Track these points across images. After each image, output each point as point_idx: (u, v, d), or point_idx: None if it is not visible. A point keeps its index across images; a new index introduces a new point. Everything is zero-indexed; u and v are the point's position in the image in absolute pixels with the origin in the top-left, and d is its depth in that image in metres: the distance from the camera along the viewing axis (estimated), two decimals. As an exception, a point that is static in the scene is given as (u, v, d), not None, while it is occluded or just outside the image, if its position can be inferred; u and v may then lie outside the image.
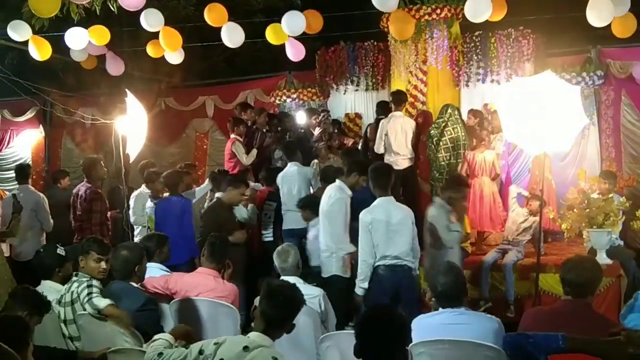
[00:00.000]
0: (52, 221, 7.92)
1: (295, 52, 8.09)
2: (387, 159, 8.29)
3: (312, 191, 7.55)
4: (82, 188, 7.35)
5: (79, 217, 7.31)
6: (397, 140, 8.22)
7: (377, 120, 8.77)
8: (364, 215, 5.58)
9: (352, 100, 10.76)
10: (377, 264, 5.53)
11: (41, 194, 8.12)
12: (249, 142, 9.03)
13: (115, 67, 9.08)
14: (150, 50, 8.58)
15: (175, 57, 8.50)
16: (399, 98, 8.56)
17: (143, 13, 7.61)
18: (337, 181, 6.19)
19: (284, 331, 3.23)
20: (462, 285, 3.71)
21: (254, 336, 3.10)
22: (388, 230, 5.49)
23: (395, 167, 8.20)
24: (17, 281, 5.81)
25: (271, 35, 7.85)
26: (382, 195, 5.63)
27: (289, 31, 7.57)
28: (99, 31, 8.08)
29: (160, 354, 3.21)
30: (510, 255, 7.12)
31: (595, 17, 6.62)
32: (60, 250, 4.65)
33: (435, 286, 3.70)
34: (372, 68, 10.37)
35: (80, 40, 7.89)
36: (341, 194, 6.04)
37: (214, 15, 7.73)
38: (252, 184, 8.21)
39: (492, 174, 8.07)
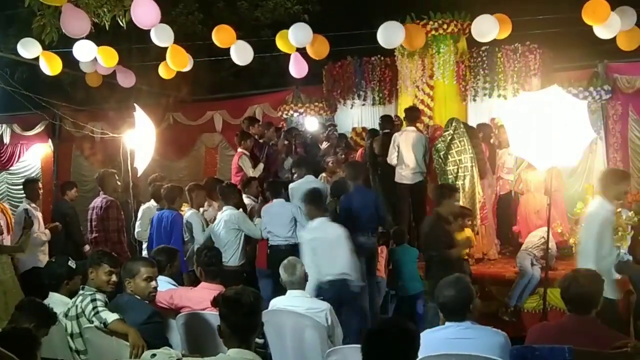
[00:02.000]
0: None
1: (298, 69, 8.14)
2: (399, 171, 8.39)
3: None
4: (97, 200, 7.51)
5: (96, 228, 7.40)
6: (408, 154, 8.30)
7: (385, 134, 8.80)
8: (305, 234, 6.02)
9: (359, 115, 10.80)
10: (321, 279, 5.78)
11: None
12: (256, 156, 9.05)
13: (126, 79, 9.13)
14: (162, 71, 8.61)
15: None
16: (413, 115, 8.63)
17: (154, 29, 7.68)
18: (598, 197, 5.51)
19: (257, 335, 3.21)
20: (466, 299, 3.64)
21: (234, 353, 3.06)
22: (328, 248, 5.83)
23: (405, 182, 8.30)
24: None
25: (280, 43, 7.91)
26: (320, 215, 6.08)
27: (295, 42, 7.62)
28: (108, 52, 8.14)
29: (154, 355, 3.27)
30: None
31: (603, 29, 6.63)
32: (72, 263, 4.67)
33: (438, 298, 3.66)
34: (379, 83, 10.43)
35: (88, 53, 7.96)
36: (602, 211, 5.38)
37: (222, 36, 7.79)
38: (251, 200, 8.16)
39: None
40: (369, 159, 9.11)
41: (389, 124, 9.06)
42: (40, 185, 8.43)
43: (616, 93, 9.36)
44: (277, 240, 7.06)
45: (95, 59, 8.22)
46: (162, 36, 7.71)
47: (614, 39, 6.96)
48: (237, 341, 3.08)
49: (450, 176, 7.88)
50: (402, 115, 9.07)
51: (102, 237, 7.41)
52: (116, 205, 7.55)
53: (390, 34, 7.45)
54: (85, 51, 7.93)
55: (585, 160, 9.17)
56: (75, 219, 8.31)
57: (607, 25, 6.66)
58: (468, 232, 7.53)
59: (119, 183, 7.79)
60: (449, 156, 7.90)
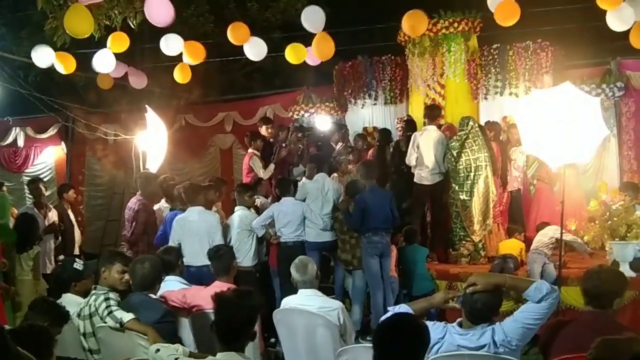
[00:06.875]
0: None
1: (314, 58, 8.06)
2: (418, 172, 8.17)
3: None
4: (133, 200, 7.44)
5: (130, 228, 7.44)
6: (428, 154, 8.08)
7: (408, 137, 8.68)
8: None
9: (369, 115, 10.74)
10: None
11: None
12: (267, 157, 9.05)
13: (138, 81, 9.12)
14: (178, 75, 8.56)
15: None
16: (434, 113, 8.47)
17: (163, 38, 7.70)
18: None
19: (248, 340, 3.19)
20: (498, 305, 3.52)
21: (220, 356, 3.08)
22: None
23: (425, 183, 8.11)
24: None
25: (291, 54, 7.89)
26: None
27: (311, 28, 7.49)
28: (118, 38, 8.11)
29: (158, 350, 3.39)
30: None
31: (616, 19, 6.48)
32: (78, 265, 4.70)
33: (474, 302, 3.40)
34: (389, 82, 10.36)
35: (108, 63, 7.94)
36: None
37: (236, 33, 7.79)
38: (262, 199, 8.19)
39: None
40: (395, 158, 8.89)
41: (414, 127, 8.80)
42: (43, 185, 8.62)
43: (629, 90, 9.27)
44: (286, 237, 7.17)
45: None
46: (171, 45, 7.73)
47: (627, 35, 6.86)
48: (223, 346, 3.10)
49: (462, 174, 7.82)
50: (420, 113, 8.92)
51: (134, 238, 7.26)
52: (146, 208, 7.27)
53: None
54: (105, 61, 7.89)
55: (598, 157, 9.10)
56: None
57: (620, 16, 6.50)
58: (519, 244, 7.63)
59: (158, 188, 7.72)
60: (463, 155, 7.82)
